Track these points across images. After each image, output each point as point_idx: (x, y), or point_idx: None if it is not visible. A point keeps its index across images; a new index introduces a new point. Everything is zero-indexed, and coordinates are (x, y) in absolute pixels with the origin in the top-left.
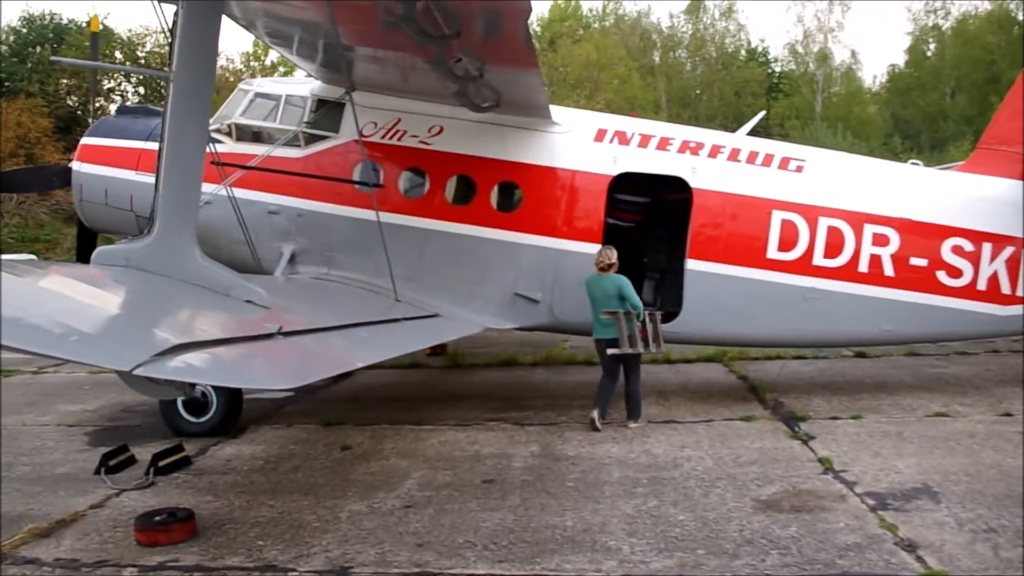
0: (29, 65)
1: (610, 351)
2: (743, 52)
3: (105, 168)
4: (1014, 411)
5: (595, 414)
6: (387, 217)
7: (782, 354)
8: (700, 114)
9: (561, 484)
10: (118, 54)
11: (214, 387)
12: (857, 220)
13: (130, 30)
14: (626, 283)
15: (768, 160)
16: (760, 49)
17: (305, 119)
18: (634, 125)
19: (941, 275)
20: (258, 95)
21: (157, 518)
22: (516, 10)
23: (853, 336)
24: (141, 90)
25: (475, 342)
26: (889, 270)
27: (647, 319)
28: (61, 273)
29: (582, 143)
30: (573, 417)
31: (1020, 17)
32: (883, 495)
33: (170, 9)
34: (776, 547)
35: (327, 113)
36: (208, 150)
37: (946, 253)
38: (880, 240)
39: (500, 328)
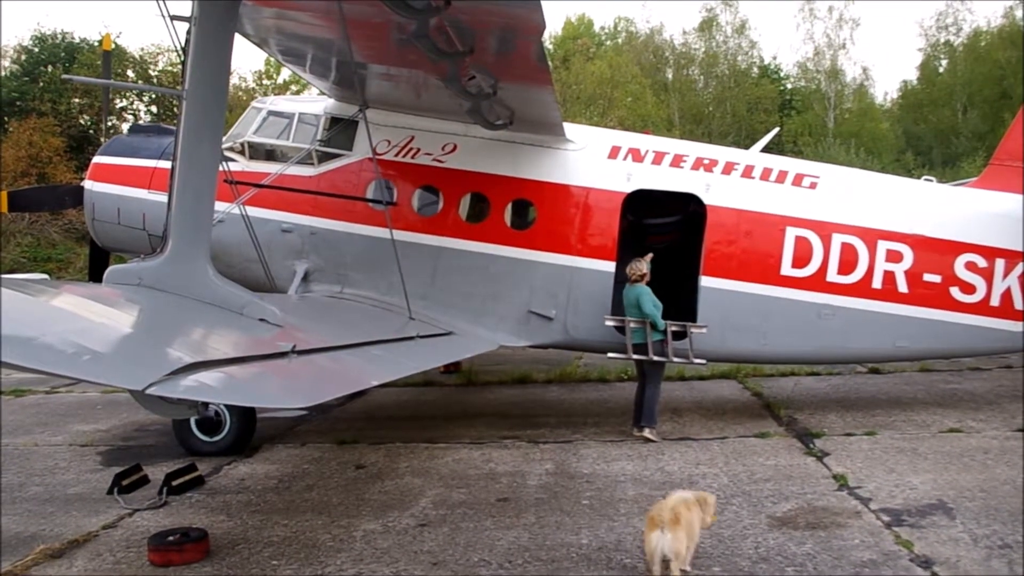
0: (41, 84)
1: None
2: (755, 69)
3: (117, 187)
4: None
5: (637, 431)
6: (401, 235)
7: (796, 371)
8: (713, 131)
9: (576, 502)
10: (130, 73)
11: (227, 406)
12: (871, 237)
13: (142, 48)
14: (644, 293)
15: (782, 177)
16: (772, 66)
17: (318, 137)
18: (648, 142)
19: (954, 291)
20: (271, 113)
21: (171, 538)
22: (529, 27)
23: (867, 352)
24: (154, 109)
25: (489, 360)
26: (903, 286)
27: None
28: (73, 292)
29: (596, 160)
30: (587, 434)
31: None
32: (898, 511)
33: (183, 27)
34: (792, 564)
35: (340, 131)
36: (221, 168)
37: (959, 269)
38: (894, 256)
39: (514, 346)
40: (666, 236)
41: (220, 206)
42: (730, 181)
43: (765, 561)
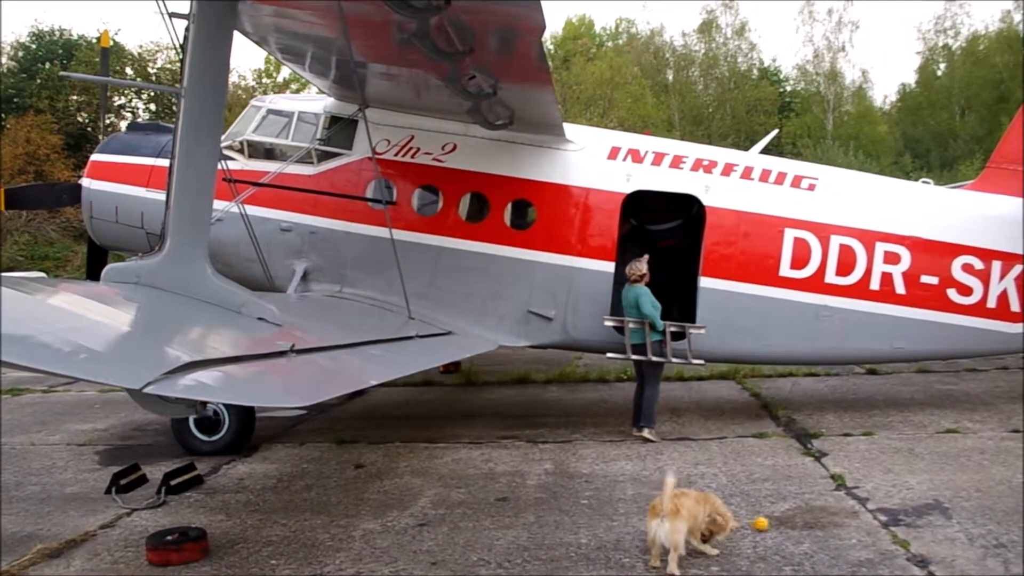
0: (38, 81)
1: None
2: (755, 71)
3: (116, 185)
4: (1023, 427)
5: (637, 431)
6: (400, 234)
7: (794, 371)
8: (713, 132)
9: (575, 502)
10: (129, 70)
11: (226, 405)
12: (869, 238)
13: (141, 46)
14: (643, 294)
15: (781, 178)
16: (772, 68)
17: (318, 136)
18: (647, 143)
19: (951, 293)
20: (270, 112)
21: (169, 537)
22: (529, 27)
23: (865, 353)
24: (152, 107)
25: (488, 360)
26: (900, 288)
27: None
28: (71, 291)
29: (596, 161)
30: (587, 434)
31: None
32: (895, 511)
33: (181, 24)
34: (789, 563)
35: (340, 130)
36: (220, 167)
37: (956, 271)
38: (891, 258)
39: (513, 346)
40: (669, 241)
41: (219, 205)
42: (729, 182)
43: (763, 560)
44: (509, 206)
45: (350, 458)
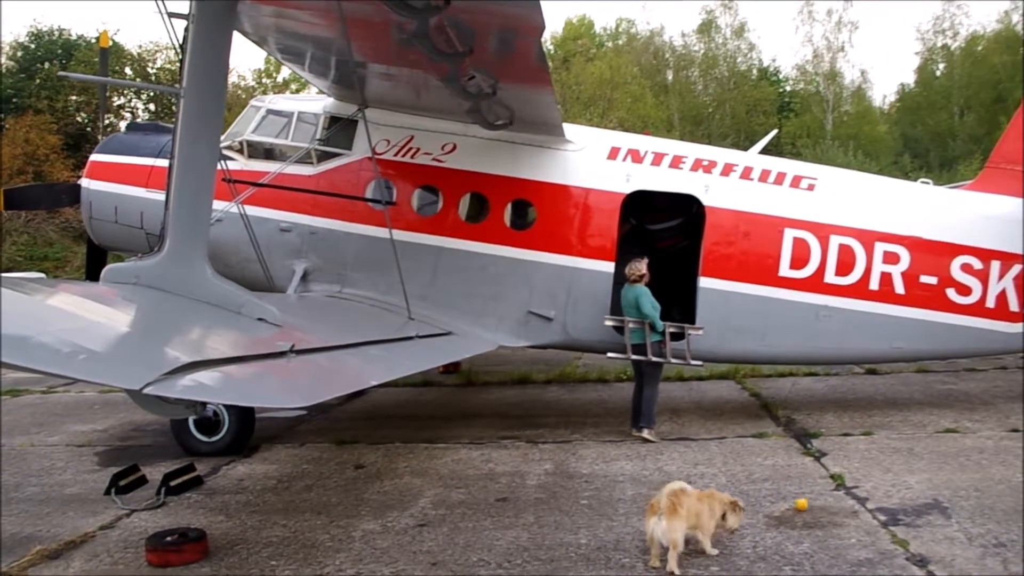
0: (37, 81)
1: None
2: (754, 71)
3: (115, 185)
4: (1022, 427)
5: (636, 431)
6: (400, 235)
7: (794, 371)
8: (712, 132)
9: (575, 502)
10: (128, 70)
11: (226, 406)
12: (868, 238)
13: (140, 46)
14: (643, 293)
15: (780, 178)
16: (771, 68)
17: (317, 136)
18: (647, 143)
19: (951, 293)
20: (270, 112)
21: (169, 538)
22: (529, 27)
23: (864, 353)
24: (152, 107)
25: (488, 360)
26: (899, 288)
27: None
28: (70, 291)
29: (595, 161)
30: (586, 435)
31: None
32: (894, 511)
33: (181, 25)
34: (789, 563)
35: (340, 130)
36: (219, 167)
37: (955, 271)
38: (891, 258)
39: (513, 346)
40: (669, 241)
41: (218, 205)
42: (729, 182)
43: (763, 560)
44: (509, 206)
45: (350, 458)
